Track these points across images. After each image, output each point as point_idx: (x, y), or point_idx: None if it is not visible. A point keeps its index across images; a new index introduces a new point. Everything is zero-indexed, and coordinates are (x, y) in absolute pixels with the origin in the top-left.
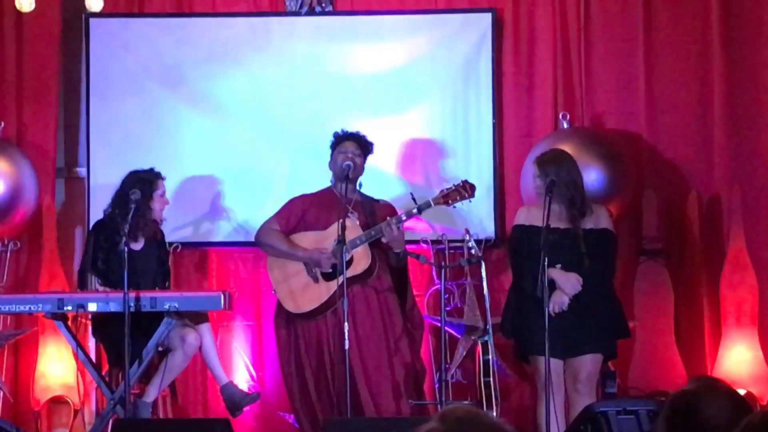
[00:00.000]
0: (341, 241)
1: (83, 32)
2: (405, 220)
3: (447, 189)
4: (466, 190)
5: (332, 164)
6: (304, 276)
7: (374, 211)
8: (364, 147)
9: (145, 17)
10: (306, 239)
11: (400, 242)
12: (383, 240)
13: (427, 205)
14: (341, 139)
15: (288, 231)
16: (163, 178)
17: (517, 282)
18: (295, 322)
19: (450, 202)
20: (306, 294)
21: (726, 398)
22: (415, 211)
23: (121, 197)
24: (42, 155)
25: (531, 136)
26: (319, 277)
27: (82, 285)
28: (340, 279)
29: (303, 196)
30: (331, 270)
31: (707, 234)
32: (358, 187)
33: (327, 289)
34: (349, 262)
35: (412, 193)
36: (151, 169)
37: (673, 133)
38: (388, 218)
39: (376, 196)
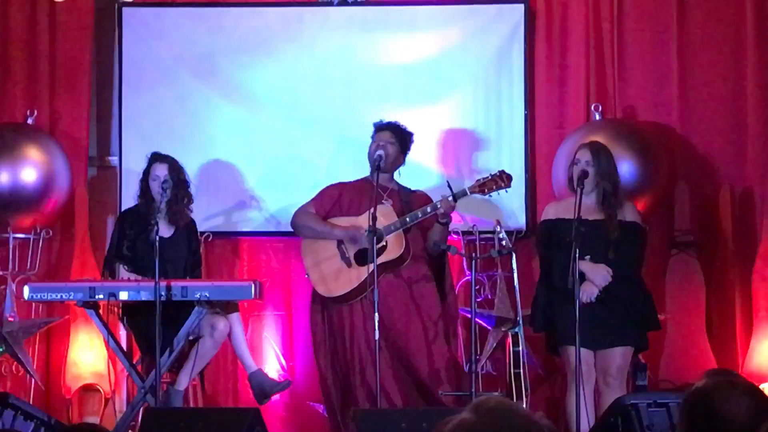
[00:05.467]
0: (372, 230)
1: (116, 21)
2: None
3: (483, 178)
4: (502, 179)
5: (368, 155)
6: (337, 261)
7: (410, 201)
8: (400, 136)
9: (177, 6)
10: (340, 224)
11: (449, 213)
12: (439, 212)
13: (463, 194)
14: (378, 129)
15: (323, 216)
16: (158, 161)
17: (546, 275)
18: (329, 308)
19: (486, 191)
20: (338, 279)
21: (745, 393)
22: (450, 198)
23: (140, 185)
24: (74, 144)
25: (563, 127)
26: (352, 261)
27: (106, 273)
28: (371, 267)
29: (339, 184)
30: (367, 245)
31: (740, 227)
32: (396, 177)
33: (358, 275)
34: (383, 249)
35: (448, 181)
36: (152, 154)
37: (706, 126)
38: (437, 201)
39: (409, 186)
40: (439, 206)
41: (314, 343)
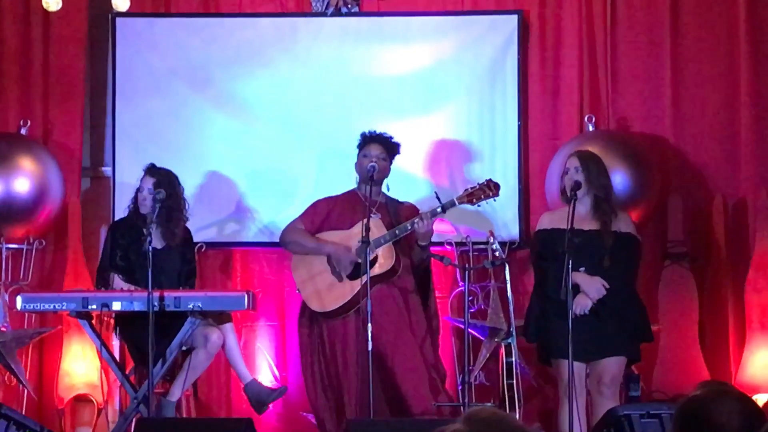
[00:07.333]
0: (365, 241)
1: (110, 32)
2: (433, 218)
3: (471, 188)
4: (490, 188)
5: (357, 166)
6: (328, 275)
7: (398, 213)
8: (390, 149)
9: (171, 17)
10: (331, 238)
11: (428, 236)
12: (417, 231)
13: (452, 204)
14: (367, 140)
15: (313, 231)
16: (147, 174)
17: (540, 285)
18: (319, 321)
19: (474, 200)
20: (331, 293)
21: (737, 403)
22: (439, 209)
23: (133, 194)
24: (68, 154)
25: (556, 138)
26: (344, 276)
27: (100, 283)
28: (364, 279)
29: (327, 198)
30: (350, 266)
31: (732, 238)
32: (385, 191)
33: (351, 289)
34: (374, 261)
35: (436, 192)
36: (147, 166)
37: (699, 137)
38: (418, 215)
39: (400, 198)
40: (416, 222)
41: (302, 357)
